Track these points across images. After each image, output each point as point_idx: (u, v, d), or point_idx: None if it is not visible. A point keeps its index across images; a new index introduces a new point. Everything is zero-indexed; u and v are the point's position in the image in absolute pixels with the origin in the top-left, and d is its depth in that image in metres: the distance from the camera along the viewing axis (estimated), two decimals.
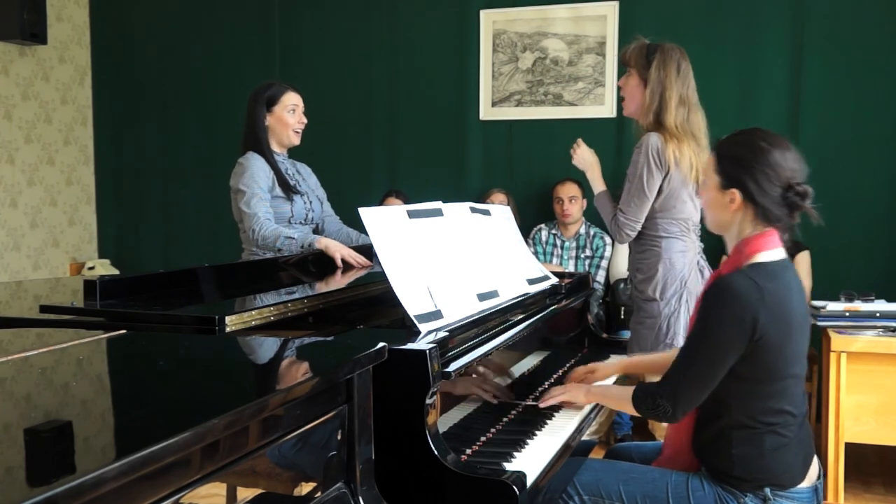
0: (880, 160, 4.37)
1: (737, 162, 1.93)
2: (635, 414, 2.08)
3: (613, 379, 2.57)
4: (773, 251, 1.93)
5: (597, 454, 2.60)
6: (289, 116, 3.16)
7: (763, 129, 1.98)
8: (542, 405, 2.22)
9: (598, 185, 3.08)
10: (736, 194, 1.93)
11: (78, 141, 5.61)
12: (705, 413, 1.98)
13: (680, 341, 2.82)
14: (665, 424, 2.16)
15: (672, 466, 2.09)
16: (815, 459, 2.03)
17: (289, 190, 3.12)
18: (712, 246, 3.26)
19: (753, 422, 1.92)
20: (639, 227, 2.92)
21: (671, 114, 2.82)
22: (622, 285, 4.36)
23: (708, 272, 2.97)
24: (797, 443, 1.95)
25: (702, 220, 2.68)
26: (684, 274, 2.92)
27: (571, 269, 4.57)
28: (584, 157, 3.12)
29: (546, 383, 2.48)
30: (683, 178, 2.89)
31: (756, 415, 1.92)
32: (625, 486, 2.04)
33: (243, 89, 3.48)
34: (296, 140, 3.21)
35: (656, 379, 2.04)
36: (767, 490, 1.93)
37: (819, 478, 2.02)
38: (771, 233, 1.94)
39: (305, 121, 3.22)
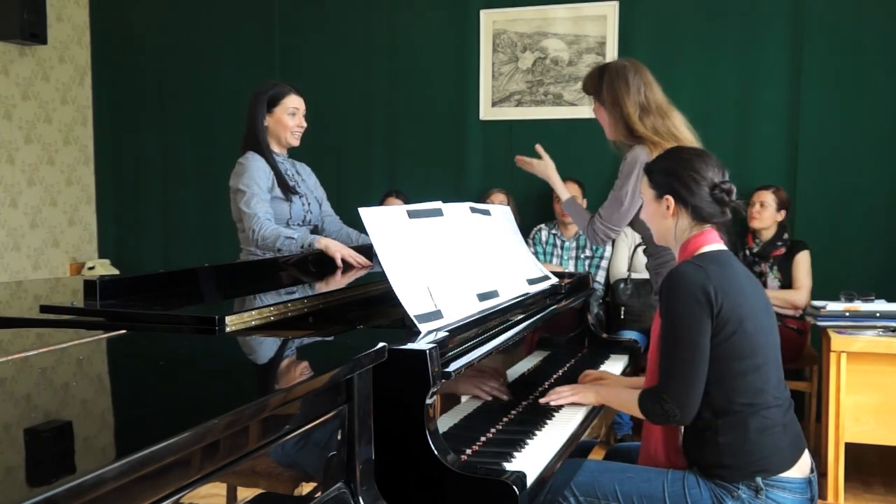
0: (880, 160, 4.36)
1: (665, 172, 2.17)
2: (643, 418, 2.10)
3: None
4: (713, 245, 2.12)
5: (597, 454, 2.60)
6: (288, 119, 3.14)
7: (684, 146, 2.31)
8: (552, 403, 2.23)
9: (563, 192, 3.07)
10: (670, 200, 2.15)
11: (78, 141, 5.61)
12: None
13: None
14: None
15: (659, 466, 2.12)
16: (807, 453, 2.07)
17: (288, 191, 3.11)
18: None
19: (733, 404, 1.99)
20: (614, 235, 2.92)
21: (639, 125, 2.80)
22: (622, 285, 4.36)
23: None
24: (782, 428, 2.01)
25: None
26: None
27: (571, 269, 4.57)
28: (548, 164, 3.06)
29: (546, 383, 2.48)
30: None
31: (733, 396, 1.99)
32: (620, 486, 2.05)
33: (243, 89, 3.48)
34: (294, 142, 3.19)
35: None
36: (759, 479, 1.96)
37: (812, 471, 2.06)
38: (710, 231, 2.13)
39: (305, 124, 3.19)
